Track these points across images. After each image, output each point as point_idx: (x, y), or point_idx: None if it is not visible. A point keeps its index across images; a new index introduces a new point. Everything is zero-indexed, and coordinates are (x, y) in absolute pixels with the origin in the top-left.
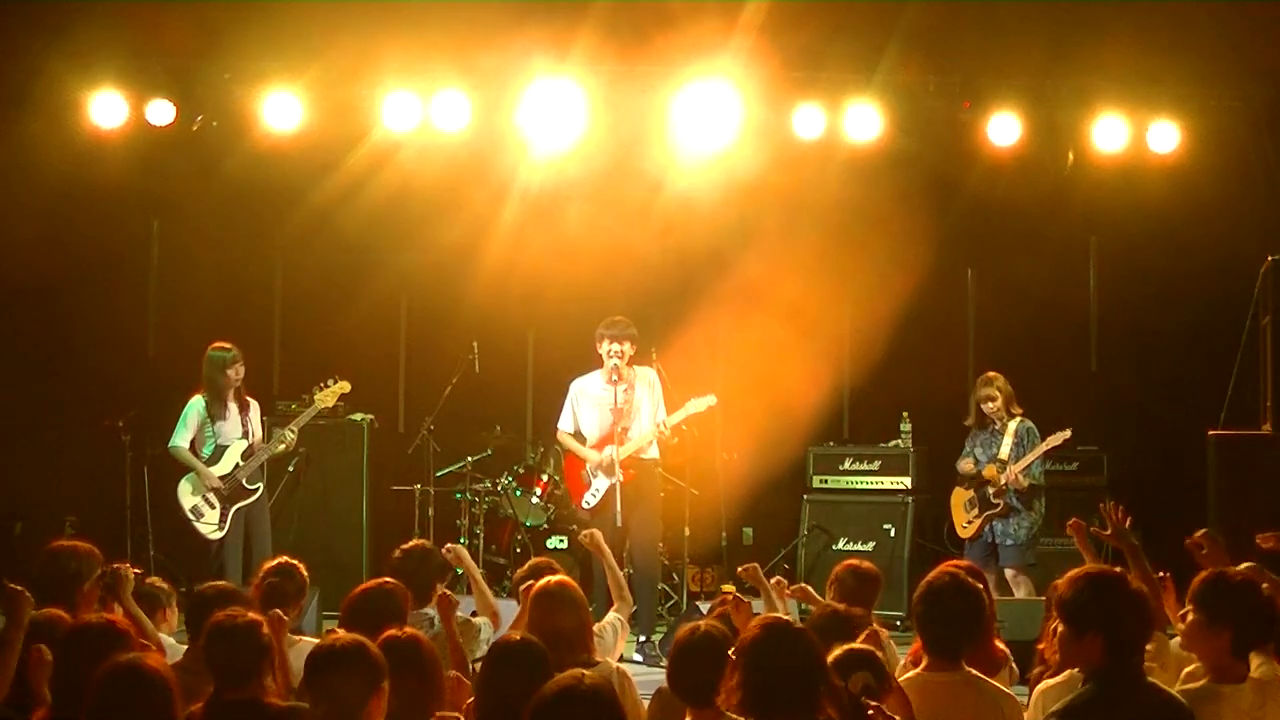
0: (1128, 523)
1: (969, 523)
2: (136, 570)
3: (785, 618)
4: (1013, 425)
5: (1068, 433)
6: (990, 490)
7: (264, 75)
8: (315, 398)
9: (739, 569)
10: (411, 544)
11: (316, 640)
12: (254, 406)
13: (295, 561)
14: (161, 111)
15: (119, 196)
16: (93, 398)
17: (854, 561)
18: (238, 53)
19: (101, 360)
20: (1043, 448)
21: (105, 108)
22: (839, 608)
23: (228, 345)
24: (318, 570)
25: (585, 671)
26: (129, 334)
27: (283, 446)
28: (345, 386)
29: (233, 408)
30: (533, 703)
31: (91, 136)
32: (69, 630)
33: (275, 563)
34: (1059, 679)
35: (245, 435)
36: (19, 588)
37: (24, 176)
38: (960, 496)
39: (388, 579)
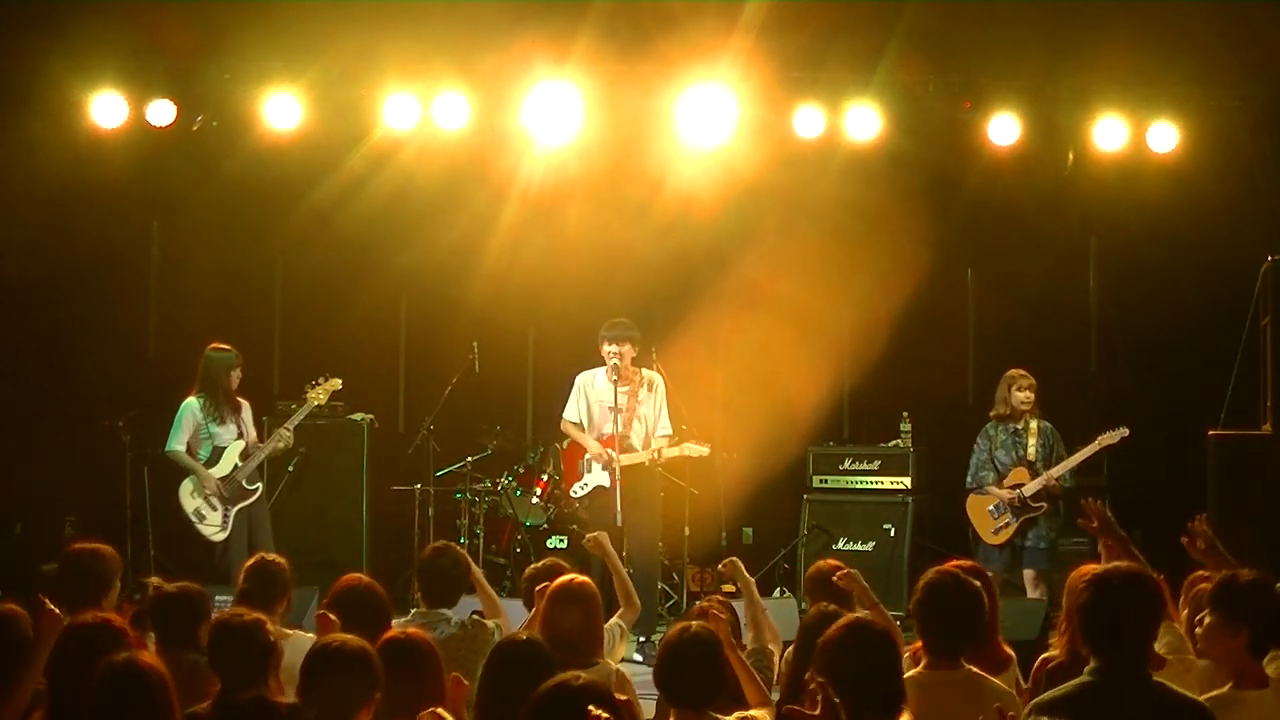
0: (1110, 516)
1: (1002, 527)
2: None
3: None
4: (1034, 425)
5: (1125, 430)
6: (1026, 493)
7: (264, 75)
8: (307, 396)
9: (720, 564)
10: (441, 544)
11: (311, 635)
12: (245, 407)
13: (275, 560)
14: (161, 111)
15: (119, 196)
16: (93, 398)
17: (820, 564)
18: (238, 53)
19: (101, 360)
20: (1094, 446)
21: (105, 108)
22: (832, 608)
23: (228, 347)
24: (317, 570)
25: (580, 672)
26: (129, 334)
27: (281, 444)
28: (336, 384)
29: (228, 409)
30: (529, 702)
31: (91, 136)
32: (65, 629)
33: (252, 564)
34: None
35: (240, 436)
36: (53, 608)
37: (24, 176)
38: (982, 503)
39: (362, 576)
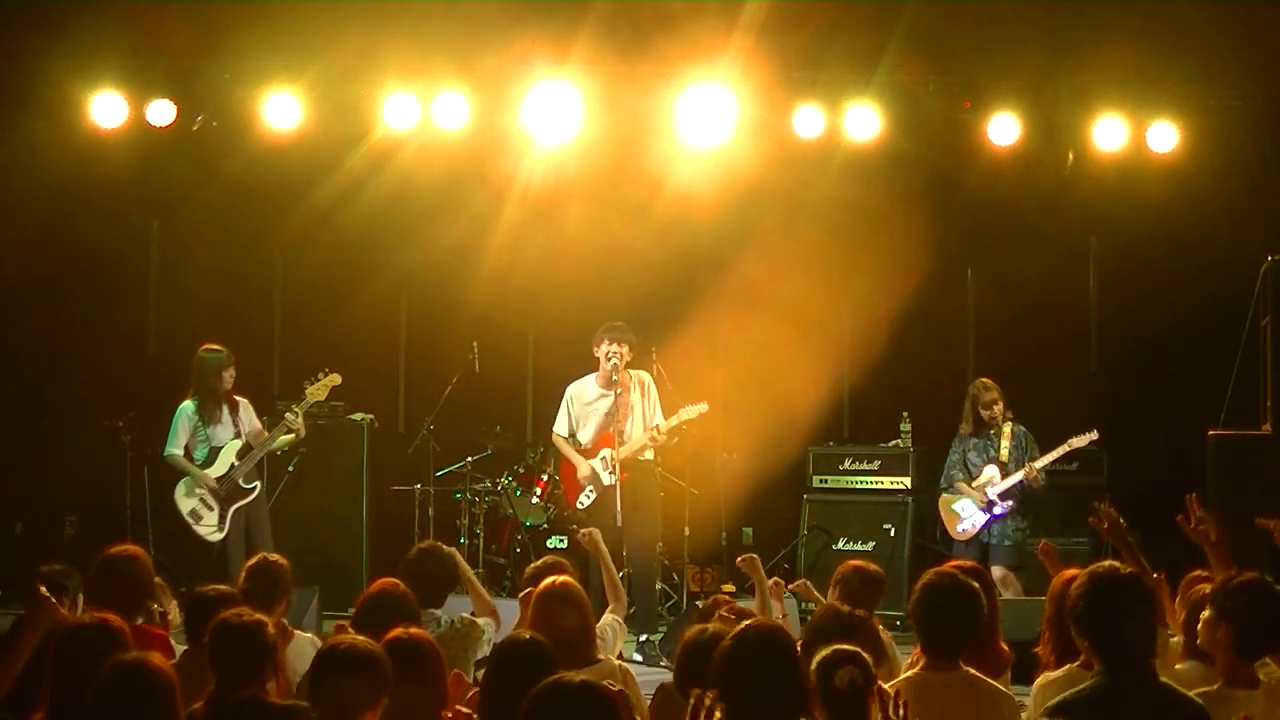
0: (1122, 522)
1: (969, 526)
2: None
3: None
4: (1008, 428)
5: (1094, 433)
6: (994, 491)
7: (264, 75)
8: (307, 391)
9: (738, 559)
10: (428, 544)
11: (310, 635)
12: (244, 405)
13: (276, 560)
14: (161, 111)
15: (119, 196)
16: (93, 398)
17: (859, 563)
18: (238, 53)
19: (101, 360)
20: (1064, 448)
21: (105, 108)
22: (841, 608)
23: (219, 347)
24: (318, 570)
25: (576, 672)
26: (129, 334)
27: (291, 435)
28: (336, 379)
29: (223, 409)
30: (525, 701)
31: (91, 136)
32: (64, 631)
33: (253, 564)
34: (1058, 673)
35: (237, 435)
36: (48, 595)
37: (24, 176)
38: (951, 501)
39: (394, 580)
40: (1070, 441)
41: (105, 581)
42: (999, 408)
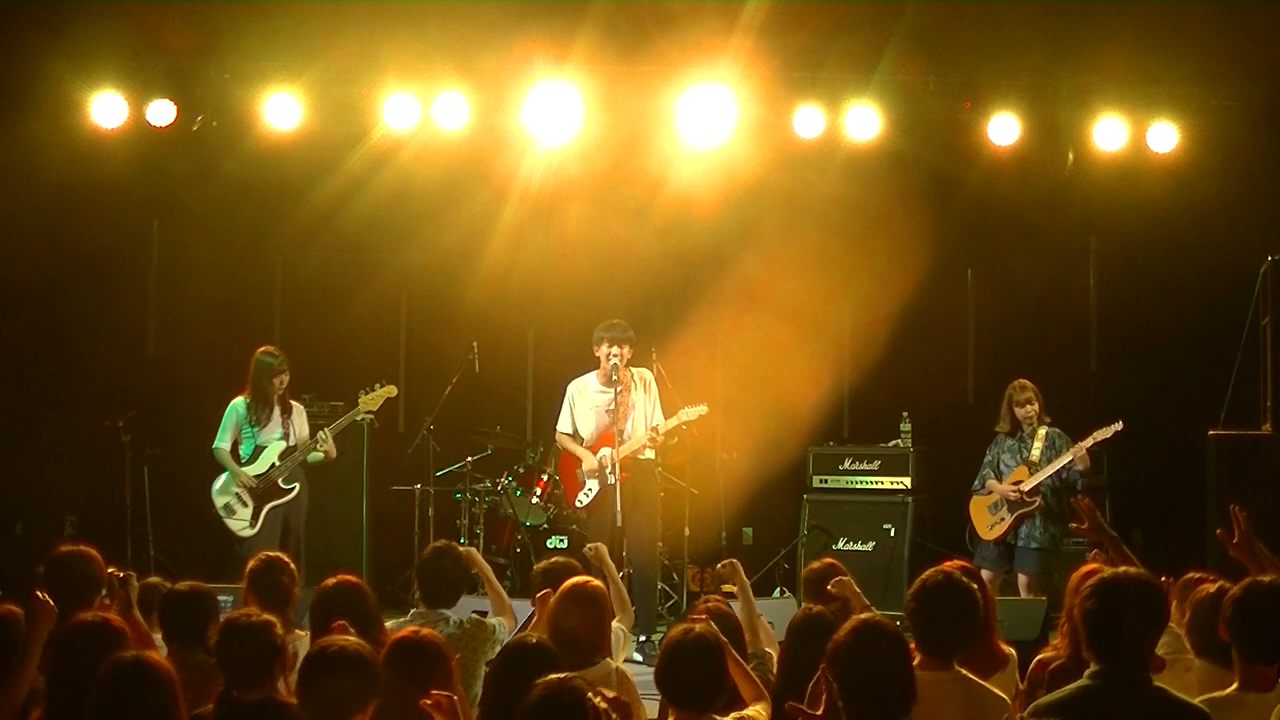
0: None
1: (998, 523)
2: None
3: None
4: (1042, 431)
5: (1119, 425)
6: (1024, 488)
7: (264, 75)
8: (360, 400)
9: (719, 564)
10: (442, 544)
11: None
12: (298, 409)
13: (286, 562)
14: (161, 111)
15: (119, 196)
16: (93, 398)
17: (814, 565)
18: (238, 53)
19: (101, 360)
20: (1089, 441)
21: (105, 108)
22: (817, 609)
23: (276, 352)
24: (318, 570)
25: (574, 675)
26: (129, 334)
27: (321, 455)
28: (391, 390)
29: (275, 410)
30: (522, 704)
31: (91, 136)
32: (64, 629)
33: (259, 562)
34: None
35: (286, 437)
36: (45, 597)
37: (24, 176)
38: (982, 501)
39: (349, 576)
40: (1094, 435)
41: (57, 581)
42: (1033, 408)
